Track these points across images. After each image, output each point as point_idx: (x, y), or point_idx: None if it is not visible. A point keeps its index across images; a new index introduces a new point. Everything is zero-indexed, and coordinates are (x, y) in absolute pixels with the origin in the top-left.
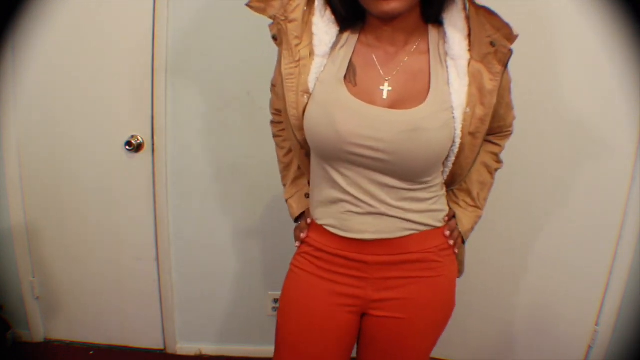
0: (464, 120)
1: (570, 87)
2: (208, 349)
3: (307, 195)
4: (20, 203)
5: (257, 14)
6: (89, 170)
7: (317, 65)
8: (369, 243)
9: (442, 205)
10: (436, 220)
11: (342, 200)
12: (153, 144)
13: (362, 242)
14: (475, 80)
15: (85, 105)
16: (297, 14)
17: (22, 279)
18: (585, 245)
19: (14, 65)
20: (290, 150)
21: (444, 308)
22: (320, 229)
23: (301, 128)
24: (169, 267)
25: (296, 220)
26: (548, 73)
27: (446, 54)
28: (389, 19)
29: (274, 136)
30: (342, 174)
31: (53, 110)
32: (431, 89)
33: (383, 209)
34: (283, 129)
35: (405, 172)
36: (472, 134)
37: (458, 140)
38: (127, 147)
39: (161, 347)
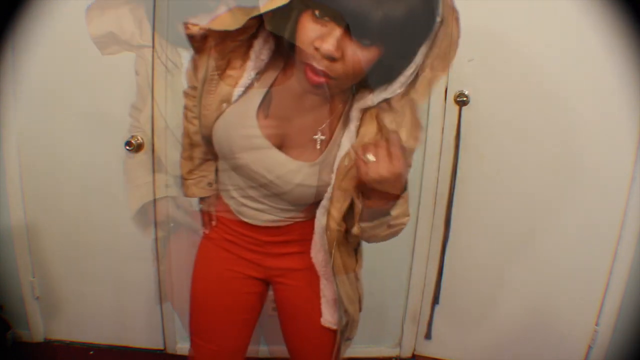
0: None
1: (570, 86)
2: None
3: (210, 184)
4: (20, 203)
5: None
6: (89, 170)
7: (249, 70)
8: (260, 227)
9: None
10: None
11: (238, 195)
12: (153, 144)
13: (254, 225)
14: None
15: (85, 105)
16: (237, 61)
17: (22, 279)
18: (585, 245)
19: (14, 65)
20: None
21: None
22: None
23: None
24: (169, 267)
25: None
26: (548, 73)
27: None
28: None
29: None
30: (238, 175)
31: (53, 110)
32: (326, 150)
33: (270, 210)
34: None
35: (290, 204)
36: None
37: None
38: (127, 147)
39: (161, 347)
